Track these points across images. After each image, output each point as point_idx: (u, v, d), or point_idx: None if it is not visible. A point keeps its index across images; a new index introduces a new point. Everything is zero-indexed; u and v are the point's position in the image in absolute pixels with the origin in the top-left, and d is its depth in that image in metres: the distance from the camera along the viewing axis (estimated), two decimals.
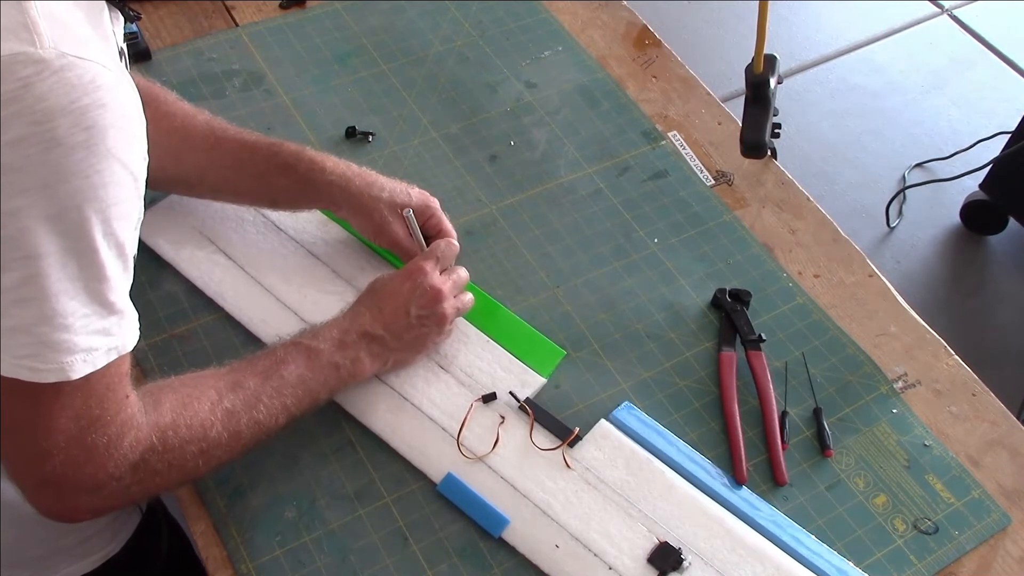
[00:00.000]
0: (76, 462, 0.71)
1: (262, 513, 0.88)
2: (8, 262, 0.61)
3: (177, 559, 1.07)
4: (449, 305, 0.97)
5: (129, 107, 0.64)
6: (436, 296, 0.95)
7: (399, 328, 0.94)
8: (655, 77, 1.34)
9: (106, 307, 0.68)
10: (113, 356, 0.69)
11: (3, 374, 0.64)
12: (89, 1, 0.65)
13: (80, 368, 0.67)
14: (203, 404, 0.79)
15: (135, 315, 0.72)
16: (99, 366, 0.68)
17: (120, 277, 0.68)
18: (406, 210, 1.00)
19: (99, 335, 0.68)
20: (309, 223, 1.09)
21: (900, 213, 2.31)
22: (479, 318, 1.03)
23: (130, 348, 0.71)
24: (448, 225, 1.07)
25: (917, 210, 2.33)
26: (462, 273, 1.01)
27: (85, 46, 0.61)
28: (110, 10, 0.70)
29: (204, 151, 1.00)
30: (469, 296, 1.01)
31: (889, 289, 1.13)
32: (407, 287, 0.95)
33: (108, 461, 0.72)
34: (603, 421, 0.97)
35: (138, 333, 0.72)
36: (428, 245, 1.06)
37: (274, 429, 0.85)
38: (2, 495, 0.82)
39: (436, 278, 0.96)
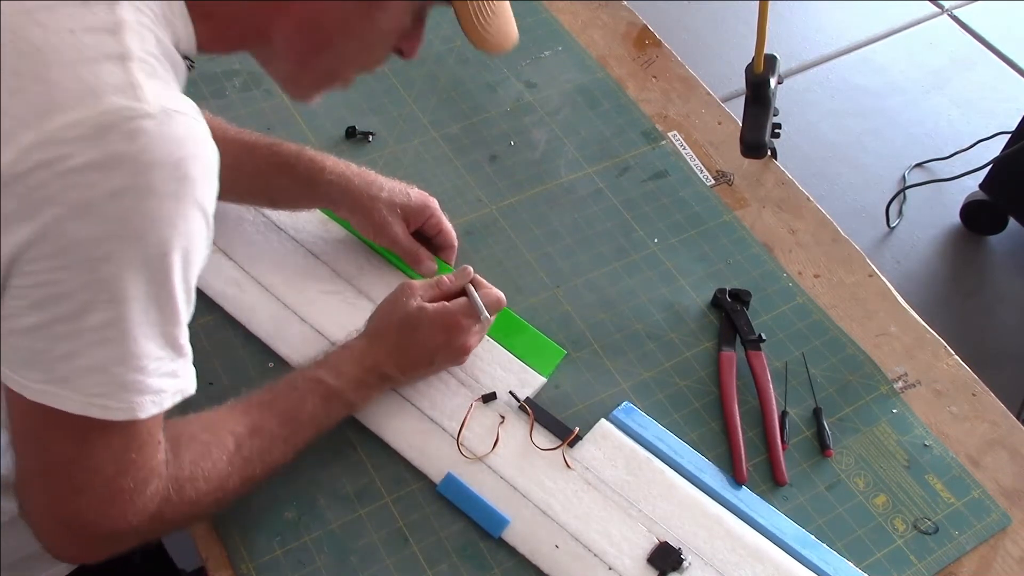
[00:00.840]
0: (102, 505, 0.71)
1: (262, 513, 0.88)
2: (95, 303, 0.63)
3: (151, 560, 1.06)
4: (469, 355, 0.97)
5: (213, 157, 0.66)
6: (463, 353, 0.96)
7: (416, 373, 0.95)
8: (655, 77, 1.34)
9: (176, 350, 0.69)
10: (178, 399, 0.71)
11: (73, 411, 0.65)
12: (170, 57, 0.67)
13: (148, 409, 0.68)
14: (221, 454, 0.79)
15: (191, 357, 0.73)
16: (165, 408, 0.69)
17: (186, 320, 0.70)
18: (467, 283, 0.96)
19: (168, 377, 0.69)
20: (309, 222, 1.09)
21: (900, 213, 2.31)
22: None
23: (192, 392, 0.72)
24: (448, 225, 1.07)
25: (917, 210, 2.33)
26: (488, 320, 0.98)
27: (178, 99, 0.64)
28: None
29: None
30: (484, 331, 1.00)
31: (889, 289, 1.13)
32: (440, 340, 0.93)
33: (130, 508, 0.72)
34: (603, 421, 0.97)
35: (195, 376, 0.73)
36: (425, 246, 1.06)
37: (283, 467, 0.86)
38: None
39: (471, 336, 0.95)
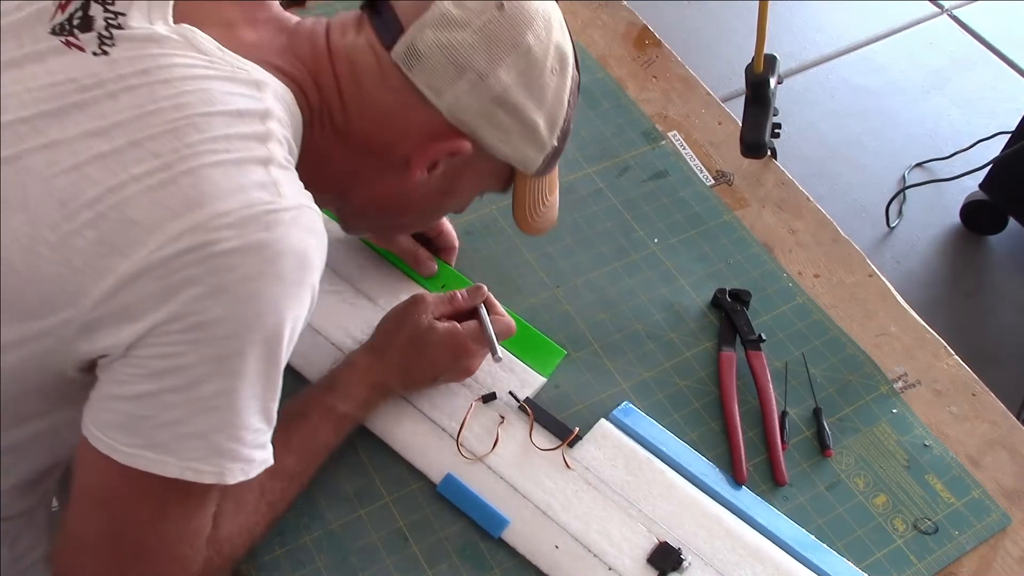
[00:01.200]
0: (162, 571, 0.72)
1: None
2: (212, 376, 0.66)
3: None
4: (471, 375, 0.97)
5: (326, 245, 0.72)
6: (467, 374, 0.96)
7: (418, 387, 0.95)
8: (655, 77, 1.34)
9: (270, 423, 0.72)
10: (261, 469, 0.72)
11: (169, 475, 0.67)
12: (295, 156, 0.73)
13: (236, 475, 0.70)
14: (249, 503, 0.80)
15: None
16: (251, 476, 0.71)
17: (280, 393, 0.72)
18: (480, 306, 0.97)
19: (259, 449, 0.71)
20: None
21: (900, 213, 2.31)
22: None
23: (272, 463, 0.73)
24: (449, 226, 1.07)
25: (917, 210, 2.33)
26: (500, 359, 0.97)
27: (306, 195, 0.71)
28: None
29: None
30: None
31: (889, 289, 1.13)
32: (446, 361, 0.93)
33: (182, 575, 0.73)
34: (603, 421, 0.97)
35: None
36: (426, 248, 1.06)
37: (300, 496, 0.87)
38: None
39: (475, 357, 0.95)
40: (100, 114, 0.66)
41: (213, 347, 0.65)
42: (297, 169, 0.73)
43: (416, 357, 0.92)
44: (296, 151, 0.75)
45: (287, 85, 0.74)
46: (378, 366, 0.92)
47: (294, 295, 0.67)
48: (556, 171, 0.89)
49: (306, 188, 0.72)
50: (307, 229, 0.68)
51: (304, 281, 0.68)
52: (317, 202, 0.72)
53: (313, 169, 0.75)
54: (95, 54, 0.68)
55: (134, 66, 0.68)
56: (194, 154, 0.65)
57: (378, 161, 0.80)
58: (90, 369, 0.68)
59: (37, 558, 0.86)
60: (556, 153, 0.84)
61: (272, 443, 0.81)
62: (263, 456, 0.72)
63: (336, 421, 0.88)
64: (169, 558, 0.72)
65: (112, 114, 0.66)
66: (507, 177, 0.85)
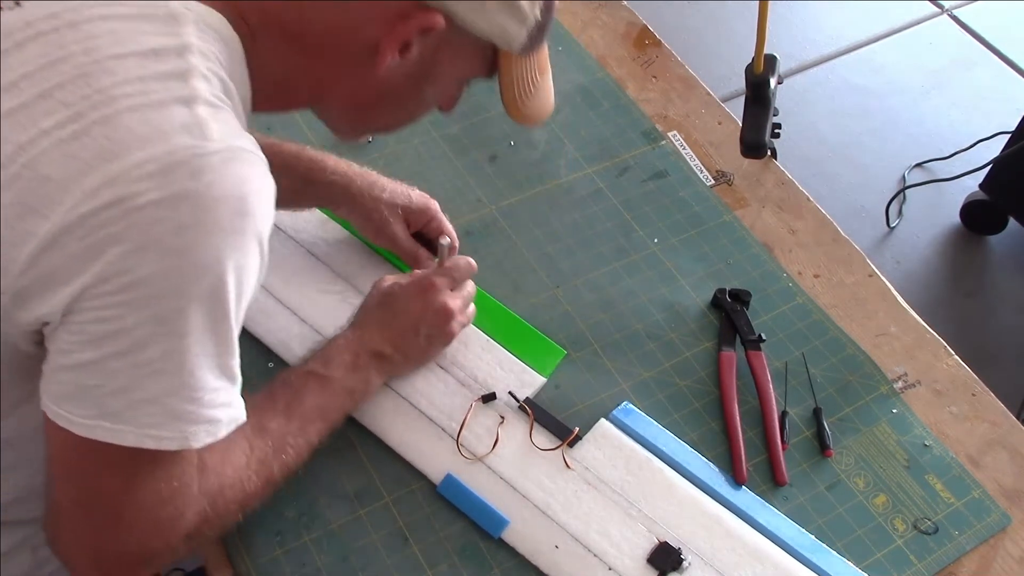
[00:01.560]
0: (146, 536, 0.71)
1: (262, 513, 0.88)
2: (155, 337, 0.63)
3: None
4: (456, 323, 0.97)
5: (272, 191, 0.67)
6: (447, 316, 0.96)
7: (407, 347, 0.94)
8: (655, 77, 1.34)
9: (231, 380, 0.69)
10: (231, 427, 0.70)
11: (127, 444, 0.65)
12: (232, 97, 0.68)
13: (202, 438, 0.68)
14: (239, 458, 0.78)
15: None
16: (219, 437, 0.69)
17: (238, 348, 0.70)
18: (442, 238, 0.99)
19: (223, 408, 0.69)
20: (309, 222, 1.09)
21: (900, 213, 2.31)
22: (479, 317, 1.03)
23: (244, 420, 0.71)
24: (449, 227, 1.07)
25: (917, 210, 2.33)
26: (469, 288, 1.00)
27: (240, 136, 0.65)
28: None
29: None
30: (472, 308, 1.01)
31: (889, 289, 1.13)
32: (418, 306, 0.94)
33: (172, 535, 0.72)
34: (603, 421, 0.97)
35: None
36: (428, 250, 1.06)
37: (300, 466, 0.85)
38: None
39: (448, 296, 0.96)
40: (8, 67, 0.62)
41: (149, 307, 0.61)
42: (256, 93, 0.69)
43: (390, 310, 0.93)
44: (238, 81, 0.69)
45: (215, 8, 0.67)
46: (358, 332, 0.92)
47: (233, 244, 0.63)
48: (546, 50, 0.83)
49: (276, 106, 0.68)
50: (242, 172, 0.63)
51: (245, 229, 0.63)
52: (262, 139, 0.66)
53: (275, 87, 0.72)
54: (10, 9, 0.64)
55: (43, 11, 0.63)
56: (107, 100, 0.60)
57: (344, 57, 0.73)
58: (42, 342, 0.66)
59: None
60: (541, 27, 0.76)
61: (255, 409, 0.79)
62: (229, 415, 0.69)
63: (320, 384, 0.87)
64: (150, 522, 0.70)
65: (19, 65, 0.62)
66: (490, 58, 0.78)
